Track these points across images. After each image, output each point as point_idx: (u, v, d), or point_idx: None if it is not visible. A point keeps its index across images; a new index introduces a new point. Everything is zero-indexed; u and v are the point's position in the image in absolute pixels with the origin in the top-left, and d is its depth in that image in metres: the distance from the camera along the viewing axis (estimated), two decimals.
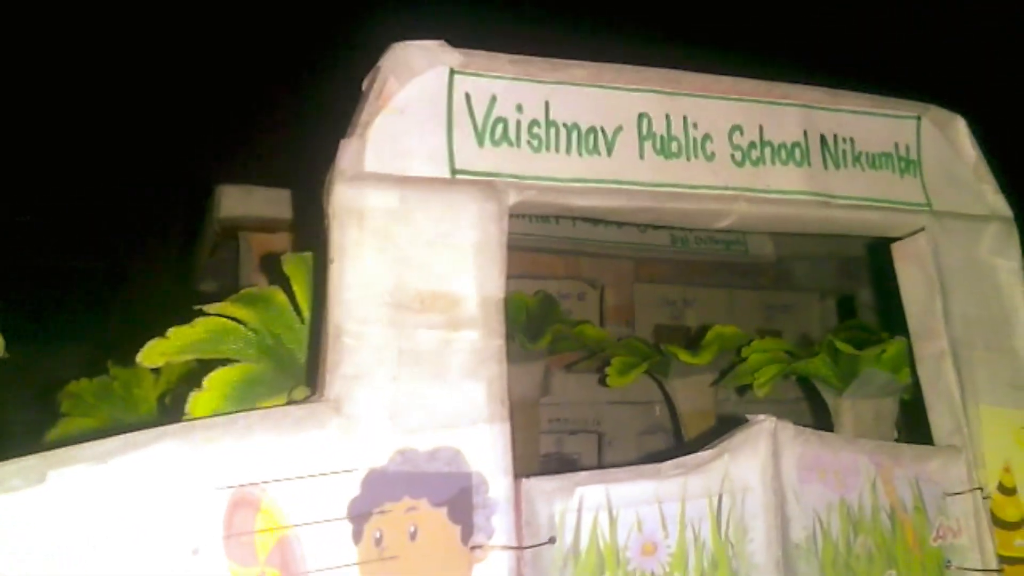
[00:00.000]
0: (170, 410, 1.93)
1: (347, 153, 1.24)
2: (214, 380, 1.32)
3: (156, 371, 2.33)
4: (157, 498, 1.05)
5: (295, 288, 1.50)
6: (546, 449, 2.83)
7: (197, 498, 1.06)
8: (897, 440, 1.91)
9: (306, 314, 1.50)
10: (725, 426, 1.40)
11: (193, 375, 2.16)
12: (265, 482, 1.09)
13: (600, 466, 2.30)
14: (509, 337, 1.24)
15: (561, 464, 2.84)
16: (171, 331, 1.40)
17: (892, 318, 2.20)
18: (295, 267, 1.52)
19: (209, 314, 1.45)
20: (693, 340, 2.50)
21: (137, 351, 2.24)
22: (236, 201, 2.63)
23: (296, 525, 1.09)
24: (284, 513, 1.09)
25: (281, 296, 1.52)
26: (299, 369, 1.46)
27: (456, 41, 1.34)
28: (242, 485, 1.08)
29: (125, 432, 2.20)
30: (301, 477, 1.11)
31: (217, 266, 3.26)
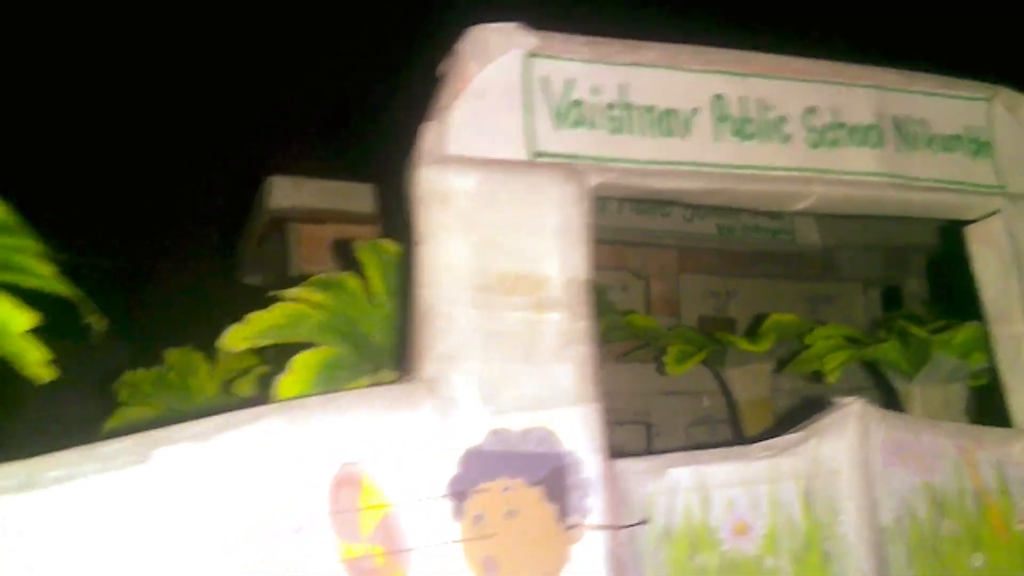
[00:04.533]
0: (239, 397, 1.95)
1: (429, 136, 1.24)
2: (298, 363, 1.33)
3: (211, 360, 2.36)
4: (259, 476, 1.06)
5: (368, 273, 1.51)
6: None
7: (300, 476, 1.07)
8: None
9: (380, 298, 1.51)
10: (807, 409, 1.40)
11: (253, 365, 2.18)
12: (366, 460, 1.10)
13: None
14: None
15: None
16: (250, 316, 1.41)
17: (953, 305, 2.19)
18: (368, 253, 1.53)
19: (286, 299, 1.46)
20: (749, 330, 2.48)
21: (182, 342, 2.26)
22: (286, 192, 2.65)
23: (398, 503, 1.10)
24: (385, 491, 1.10)
25: (354, 281, 1.53)
26: (375, 352, 1.46)
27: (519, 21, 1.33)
28: (344, 463, 1.09)
29: (182, 421, 2.21)
30: (401, 456, 1.11)
31: (261, 259, 3.29)
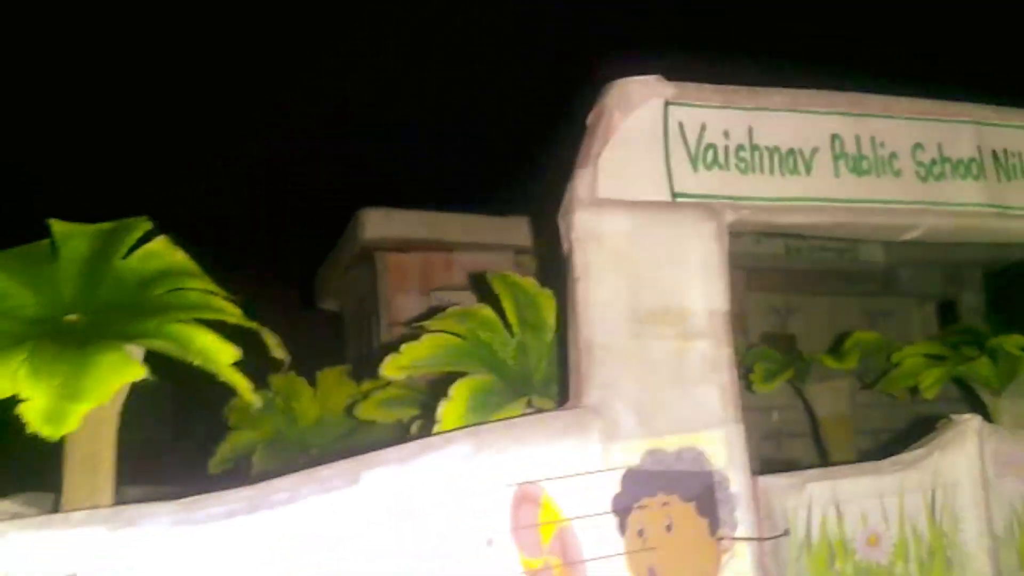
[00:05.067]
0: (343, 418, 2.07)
1: (583, 182, 1.35)
2: (457, 391, 1.43)
3: (313, 386, 2.49)
4: (451, 494, 1.17)
5: (504, 305, 1.62)
6: None
7: (486, 494, 1.18)
8: None
9: (515, 328, 1.62)
10: (923, 426, 1.50)
11: (354, 390, 2.31)
12: (543, 479, 1.21)
13: None
14: None
15: None
16: (404, 347, 1.52)
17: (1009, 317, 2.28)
18: (502, 285, 1.64)
19: (431, 331, 1.57)
20: (832, 347, 2.56)
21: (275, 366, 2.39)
22: (377, 223, 2.79)
23: (571, 518, 1.21)
24: (560, 507, 1.21)
25: (488, 312, 1.64)
26: (514, 378, 1.57)
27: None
28: (524, 482, 1.20)
29: (290, 445, 2.32)
30: (572, 475, 1.22)
31: (339, 286, 3.41)
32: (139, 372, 1.12)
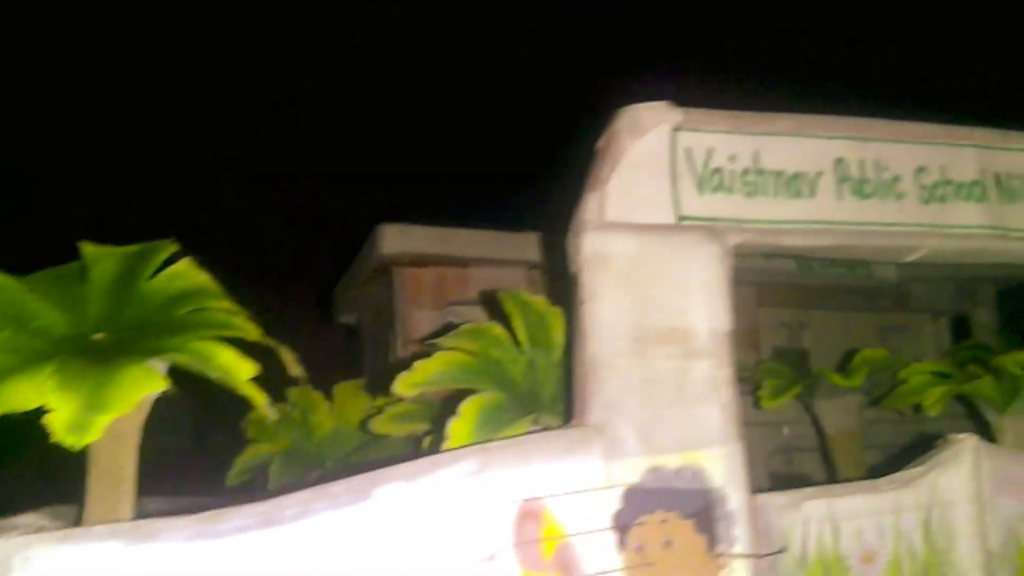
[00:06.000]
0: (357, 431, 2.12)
1: (591, 205, 1.40)
2: (465, 409, 1.47)
3: (329, 399, 2.53)
4: (457, 510, 1.21)
5: (514, 324, 1.66)
6: None
7: (491, 510, 1.22)
8: None
9: (525, 346, 1.66)
10: (925, 443, 1.53)
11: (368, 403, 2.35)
12: (546, 496, 1.25)
13: None
14: None
15: None
16: (417, 364, 1.57)
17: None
18: (512, 304, 1.69)
19: (443, 348, 1.61)
20: (840, 365, 2.59)
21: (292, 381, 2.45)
22: (395, 239, 2.84)
23: (572, 534, 1.25)
24: (561, 523, 1.25)
25: (499, 330, 1.68)
26: (523, 395, 1.61)
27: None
28: (528, 499, 1.24)
29: (307, 457, 2.36)
30: (574, 492, 1.26)
31: (356, 300, 3.46)
32: (160, 384, 1.17)
